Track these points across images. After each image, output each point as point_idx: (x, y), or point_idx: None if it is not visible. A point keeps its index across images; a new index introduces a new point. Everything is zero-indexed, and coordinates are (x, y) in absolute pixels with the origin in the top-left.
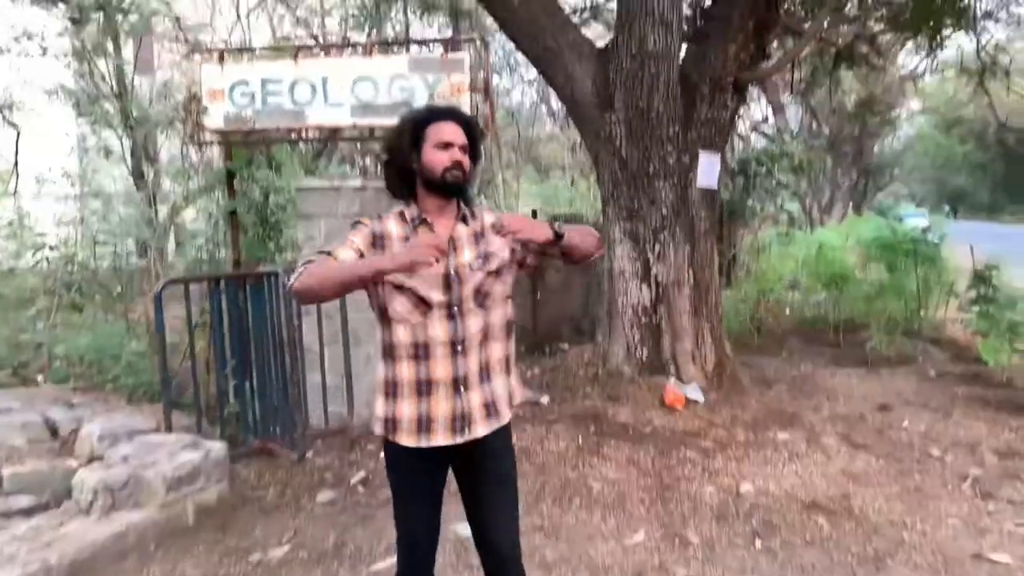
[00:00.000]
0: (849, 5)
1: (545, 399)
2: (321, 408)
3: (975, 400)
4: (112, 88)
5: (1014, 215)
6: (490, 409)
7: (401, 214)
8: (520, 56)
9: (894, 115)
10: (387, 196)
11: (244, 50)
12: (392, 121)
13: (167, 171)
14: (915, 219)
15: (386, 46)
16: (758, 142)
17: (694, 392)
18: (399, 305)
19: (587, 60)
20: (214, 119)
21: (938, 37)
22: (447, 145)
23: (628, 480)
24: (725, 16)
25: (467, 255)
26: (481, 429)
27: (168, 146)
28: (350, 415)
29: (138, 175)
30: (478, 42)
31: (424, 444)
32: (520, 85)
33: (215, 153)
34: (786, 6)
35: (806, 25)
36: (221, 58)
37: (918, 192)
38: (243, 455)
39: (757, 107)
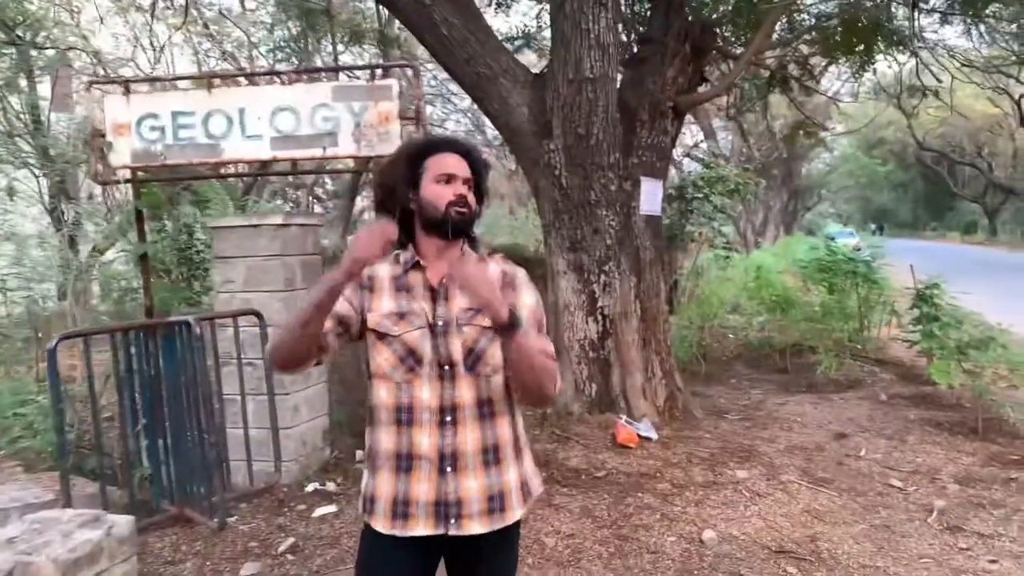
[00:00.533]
0: (781, 29)
1: None
2: (245, 466)
3: (928, 423)
4: (26, 126)
5: (935, 231)
6: (494, 503)
7: (396, 256)
8: (454, 85)
9: (822, 137)
10: (312, 233)
11: (153, 79)
12: (314, 152)
13: (85, 211)
14: (845, 238)
15: (308, 73)
16: (690, 166)
17: (647, 429)
18: (382, 359)
19: (522, 86)
20: (120, 156)
21: (868, 59)
22: (450, 178)
23: (583, 533)
24: (660, 40)
25: (458, 303)
26: (478, 526)
27: (88, 185)
28: (277, 472)
29: (56, 216)
30: (408, 69)
31: (399, 532)
32: (454, 115)
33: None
34: (720, 30)
35: (739, 50)
36: (126, 90)
37: (844, 211)
38: (157, 525)
39: (688, 132)
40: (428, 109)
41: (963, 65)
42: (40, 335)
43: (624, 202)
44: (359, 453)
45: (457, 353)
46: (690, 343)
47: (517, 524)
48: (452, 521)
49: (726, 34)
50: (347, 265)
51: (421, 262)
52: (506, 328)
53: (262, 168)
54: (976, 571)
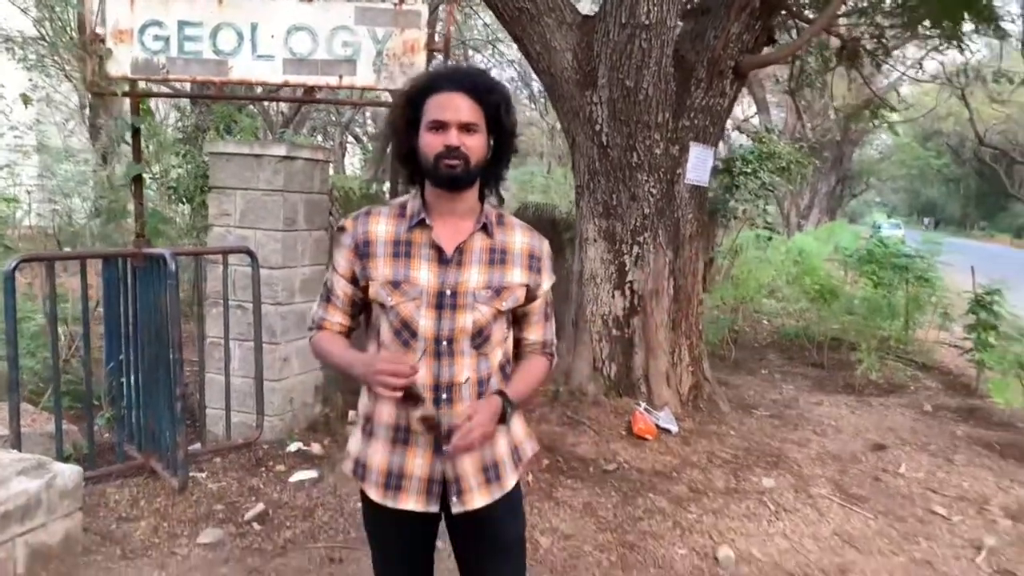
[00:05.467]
0: None
1: None
2: (225, 417)
3: (977, 442)
4: (72, 38)
5: (983, 231)
6: (489, 474)
7: (402, 206)
8: (505, 33)
9: (883, 122)
10: (319, 169)
11: None
12: (330, 80)
13: (121, 128)
14: (891, 229)
15: None
16: (739, 141)
17: (667, 420)
18: (384, 328)
19: (568, 28)
20: (119, 65)
21: (953, 34)
22: (442, 125)
23: (584, 535)
24: None
25: (474, 277)
26: (479, 499)
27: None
28: (259, 427)
29: (94, 131)
30: None
31: (390, 503)
32: (503, 65)
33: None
34: None
35: (812, 13)
36: None
37: (891, 201)
38: (119, 473)
39: (740, 105)
40: (476, 57)
41: None
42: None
43: (669, 168)
44: (351, 414)
45: (462, 330)
46: (722, 326)
47: (517, 486)
48: (454, 499)
49: None
50: (359, 378)
51: (427, 220)
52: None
53: (271, 92)
54: None
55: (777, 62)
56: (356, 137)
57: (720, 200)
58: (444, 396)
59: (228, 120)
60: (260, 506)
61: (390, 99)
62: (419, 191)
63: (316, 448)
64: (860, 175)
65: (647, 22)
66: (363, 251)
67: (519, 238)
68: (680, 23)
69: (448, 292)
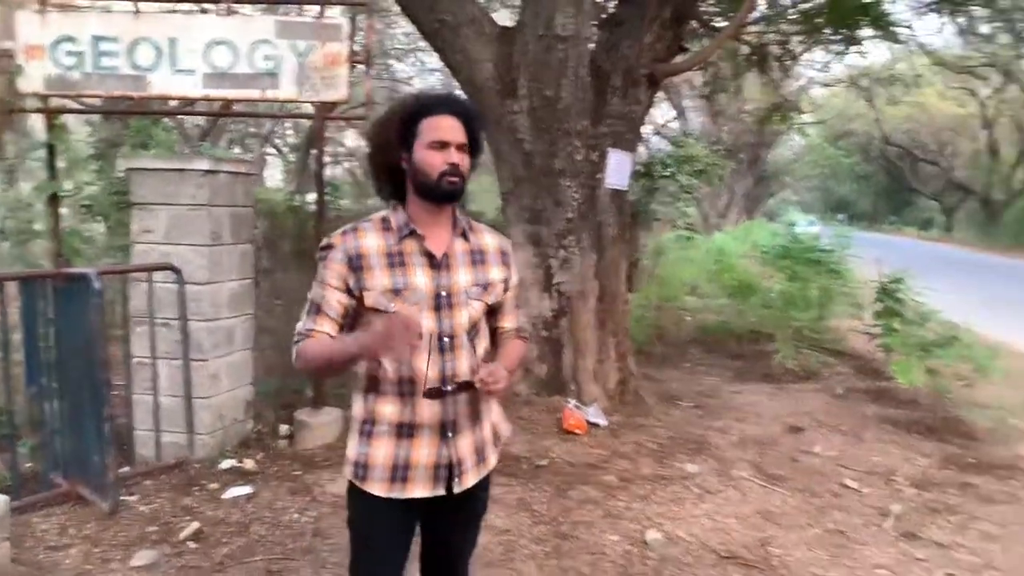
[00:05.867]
0: (764, 4)
1: None
2: (154, 438)
3: (885, 421)
4: None
5: (892, 224)
6: (480, 455)
7: (384, 220)
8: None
9: (793, 124)
10: (243, 183)
11: None
12: (251, 93)
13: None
14: (806, 226)
15: (250, 3)
16: (659, 146)
17: (596, 415)
18: None
19: (488, 39)
20: (31, 81)
21: (851, 42)
22: (444, 145)
23: (519, 529)
24: (640, 2)
25: (463, 277)
26: (472, 479)
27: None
28: (190, 446)
29: None
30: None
31: (397, 494)
32: (423, 73)
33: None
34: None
35: (720, 23)
36: (42, 4)
37: (806, 200)
38: (44, 502)
39: (659, 110)
40: (397, 65)
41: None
42: None
43: (590, 173)
44: (283, 428)
45: (460, 325)
46: (647, 324)
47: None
48: (455, 480)
49: (709, 5)
50: (365, 352)
51: (417, 230)
52: None
53: (192, 108)
54: None
55: (688, 69)
56: (277, 149)
57: (642, 203)
58: (448, 388)
59: (144, 134)
60: (195, 524)
61: (312, 111)
62: (396, 205)
63: (249, 464)
64: (776, 175)
65: (563, 34)
66: (356, 264)
67: (489, 239)
68: (596, 34)
69: (444, 293)
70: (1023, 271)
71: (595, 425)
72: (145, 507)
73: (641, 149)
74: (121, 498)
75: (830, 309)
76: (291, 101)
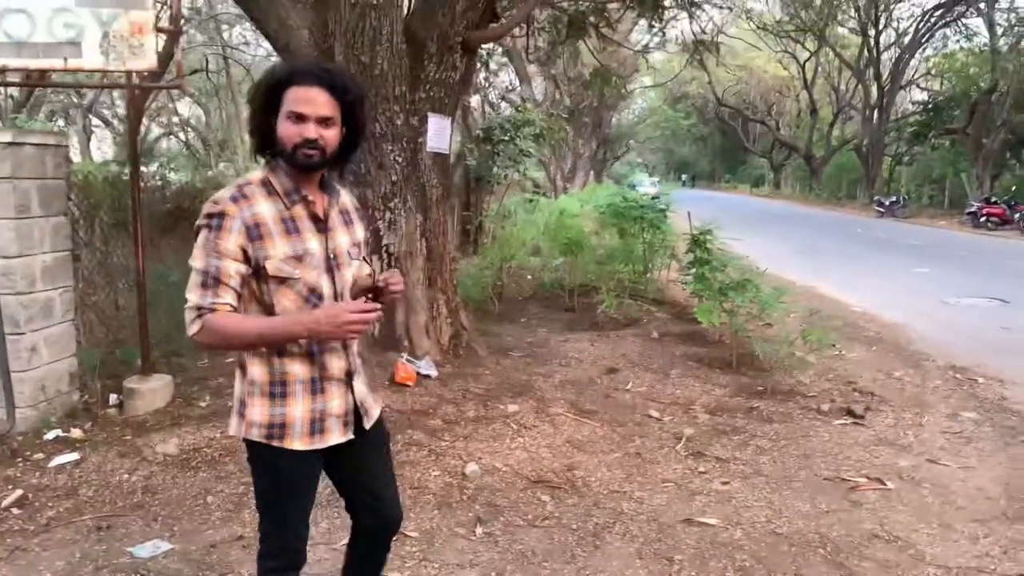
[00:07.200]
0: None
1: None
2: None
3: (691, 359)
4: None
5: (728, 183)
6: (373, 392)
7: (265, 183)
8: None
9: (629, 88)
10: (54, 155)
11: None
12: (53, 63)
13: None
14: (646, 187)
15: None
16: (507, 110)
17: (427, 367)
18: (288, 301)
19: (304, 6)
20: None
21: (658, 11)
22: (300, 117)
23: None
24: None
25: (342, 239)
26: (375, 411)
27: None
28: (10, 419)
29: None
30: None
31: (318, 445)
32: (257, 41)
33: None
34: None
35: None
36: None
37: (650, 161)
38: None
39: (506, 75)
40: (231, 32)
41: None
42: None
43: (411, 137)
44: (113, 397)
45: (347, 284)
46: (486, 283)
47: None
48: (364, 419)
49: None
50: (312, 336)
51: (309, 196)
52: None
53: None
54: (709, 491)
55: (501, 37)
56: (105, 120)
57: (484, 167)
58: (348, 340)
59: None
60: (18, 492)
61: (136, 82)
62: (274, 164)
63: (77, 433)
64: (620, 138)
65: (375, 1)
66: (255, 233)
67: (345, 197)
68: (413, 2)
69: (332, 256)
70: (835, 222)
71: (426, 376)
72: None
73: (489, 114)
74: None
75: (653, 262)
76: (97, 71)
